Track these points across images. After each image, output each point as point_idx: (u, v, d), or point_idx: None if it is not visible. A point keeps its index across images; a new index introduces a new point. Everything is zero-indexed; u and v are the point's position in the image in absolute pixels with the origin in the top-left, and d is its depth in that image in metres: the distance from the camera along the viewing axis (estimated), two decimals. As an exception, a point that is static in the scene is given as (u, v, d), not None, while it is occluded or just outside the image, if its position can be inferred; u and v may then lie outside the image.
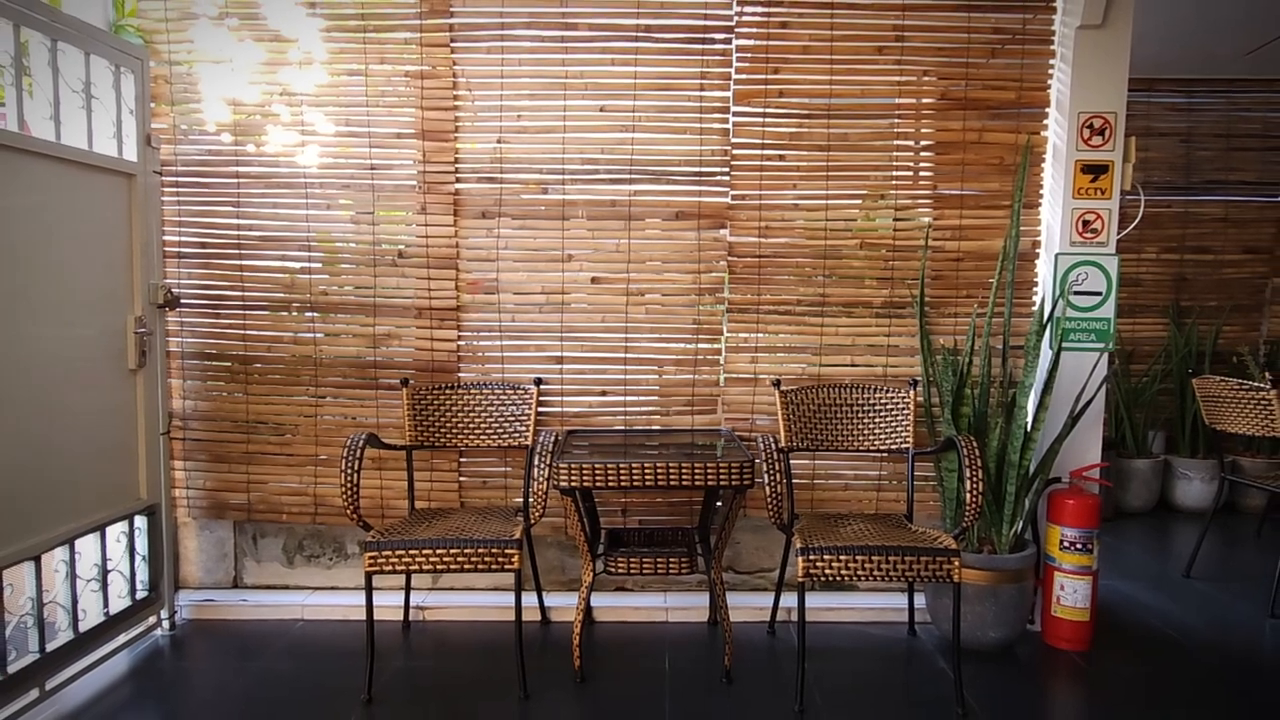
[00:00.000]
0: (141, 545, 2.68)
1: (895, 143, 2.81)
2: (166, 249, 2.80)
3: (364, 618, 2.30)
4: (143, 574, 2.68)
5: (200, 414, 2.87)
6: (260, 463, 2.88)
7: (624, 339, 2.86)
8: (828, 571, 2.21)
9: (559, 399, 2.87)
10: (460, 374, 2.86)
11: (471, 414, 2.78)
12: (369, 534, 2.29)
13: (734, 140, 2.79)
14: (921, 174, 2.83)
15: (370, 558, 2.24)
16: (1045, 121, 2.78)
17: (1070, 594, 2.62)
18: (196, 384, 2.87)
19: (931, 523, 2.72)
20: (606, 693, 2.31)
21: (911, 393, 2.66)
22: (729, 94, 2.77)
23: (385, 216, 2.82)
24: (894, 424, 2.67)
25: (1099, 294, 2.73)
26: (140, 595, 2.66)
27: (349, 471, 2.29)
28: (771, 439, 2.43)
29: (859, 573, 2.21)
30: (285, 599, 2.89)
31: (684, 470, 2.27)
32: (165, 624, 2.75)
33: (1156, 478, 4.43)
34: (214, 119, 2.78)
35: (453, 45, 2.74)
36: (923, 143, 2.82)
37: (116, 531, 2.59)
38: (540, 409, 2.83)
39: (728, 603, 2.50)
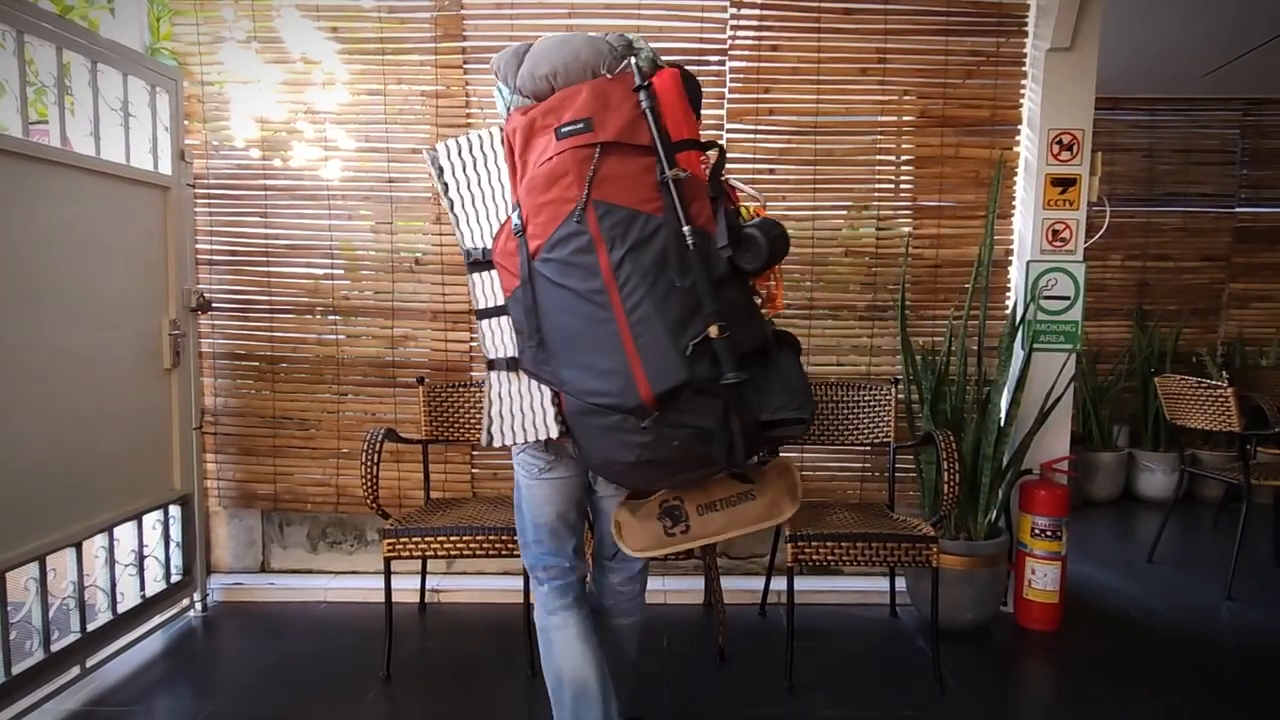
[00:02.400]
0: (176, 532, 2.67)
1: (878, 157, 2.80)
2: (199, 256, 2.80)
3: (383, 600, 2.30)
4: (177, 559, 2.68)
5: (230, 410, 2.87)
6: (286, 456, 2.88)
7: (625, 340, 2.85)
8: (815, 557, 2.21)
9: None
10: (472, 373, 2.85)
11: (485, 410, 2.77)
12: (387, 522, 2.29)
13: (728, 156, 2.78)
14: (902, 187, 2.82)
15: (389, 544, 2.24)
16: (1017, 138, 2.77)
17: (1041, 578, 2.61)
18: (227, 382, 2.86)
19: (911, 512, 2.71)
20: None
21: (893, 391, 2.65)
22: (723, 112, 2.76)
23: (403, 226, 2.82)
24: (877, 420, 2.67)
25: (1067, 298, 2.72)
26: (174, 579, 2.66)
27: (369, 464, 2.28)
28: (762, 433, 2.42)
29: (844, 558, 2.21)
30: (309, 583, 2.89)
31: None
32: (198, 606, 2.75)
33: (1121, 470, 4.43)
34: (243, 135, 2.78)
35: (465, 67, 2.74)
36: (903, 157, 2.81)
37: (152, 520, 2.59)
38: (547, 405, 2.82)
39: (722, 586, 2.50)
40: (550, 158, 1.34)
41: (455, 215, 1.46)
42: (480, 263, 1.45)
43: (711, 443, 1.34)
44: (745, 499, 1.46)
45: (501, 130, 1.45)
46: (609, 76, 1.37)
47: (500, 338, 1.46)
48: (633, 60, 1.38)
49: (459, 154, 1.45)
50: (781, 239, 1.36)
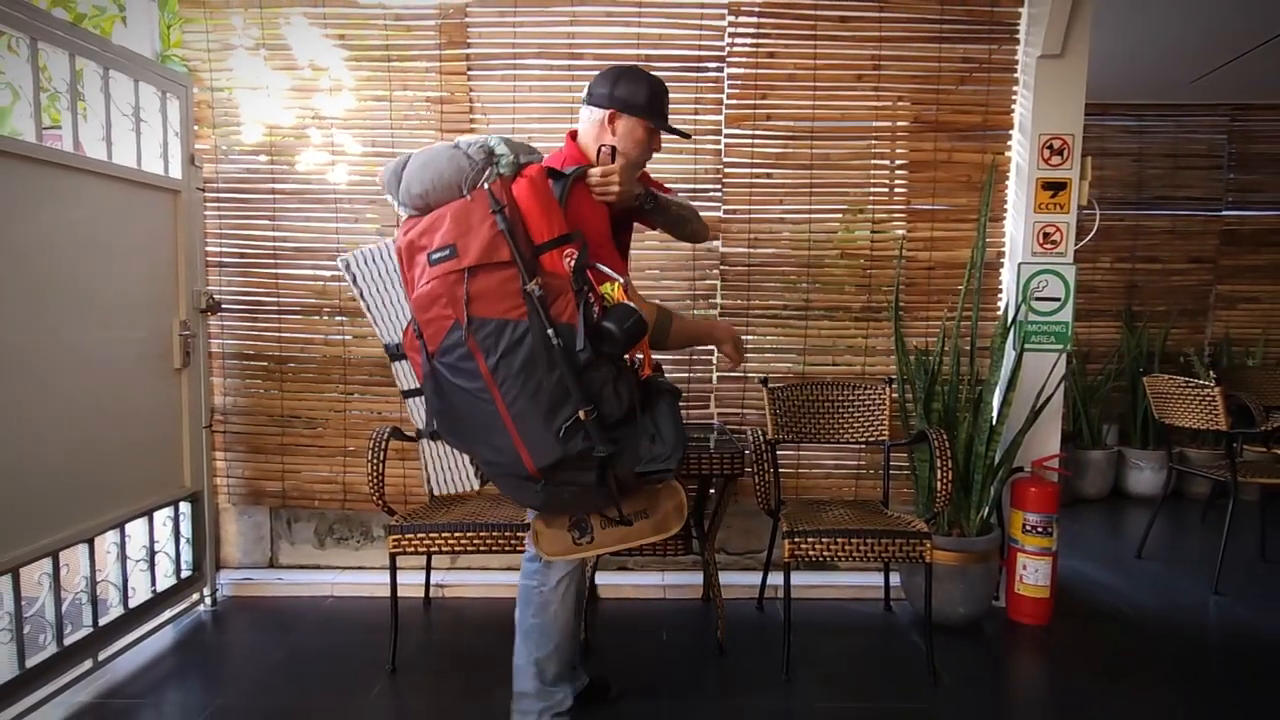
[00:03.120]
0: (186, 529, 2.68)
1: (872, 162, 2.80)
2: (209, 258, 2.80)
3: (388, 595, 2.30)
4: (187, 555, 2.68)
5: (239, 409, 2.87)
6: (294, 454, 2.88)
7: (625, 341, 2.85)
8: (811, 553, 2.21)
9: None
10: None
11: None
12: (393, 518, 2.28)
13: (726, 160, 2.78)
14: (896, 190, 2.82)
15: (394, 540, 2.24)
16: (1009, 143, 2.77)
17: (1032, 573, 2.61)
18: (236, 382, 2.86)
19: (906, 508, 2.71)
20: (609, 663, 2.31)
21: (887, 390, 2.65)
22: (721, 118, 2.76)
23: (408, 229, 2.82)
24: (871, 418, 2.67)
25: (1058, 300, 2.72)
26: (185, 574, 2.66)
27: (375, 462, 2.28)
28: (760, 432, 2.43)
29: (839, 554, 2.21)
30: (317, 578, 2.89)
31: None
32: (207, 601, 2.75)
33: (1110, 467, 4.43)
34: (252, 140, 2.78)
35: (469, 73, 2.74)
36: (898, 162, 2.81)
37: (163, 516, 2.59)
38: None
39: (720, 581, 2.50)
40: (426, 283, 1.52)
41: (370, 315, 1.66)
42: (396, 355, 1.67)
43: (595, 493, 1.59)
44: (640, 517, 1.68)
45: (396, 243, 1.62)
46: (469, 198, 1.51)
47: (422, 412, 1.68)
48: (490, 173, 1.51)
49: (367, 263, 1.63)
50: (635, 326, 1.52)
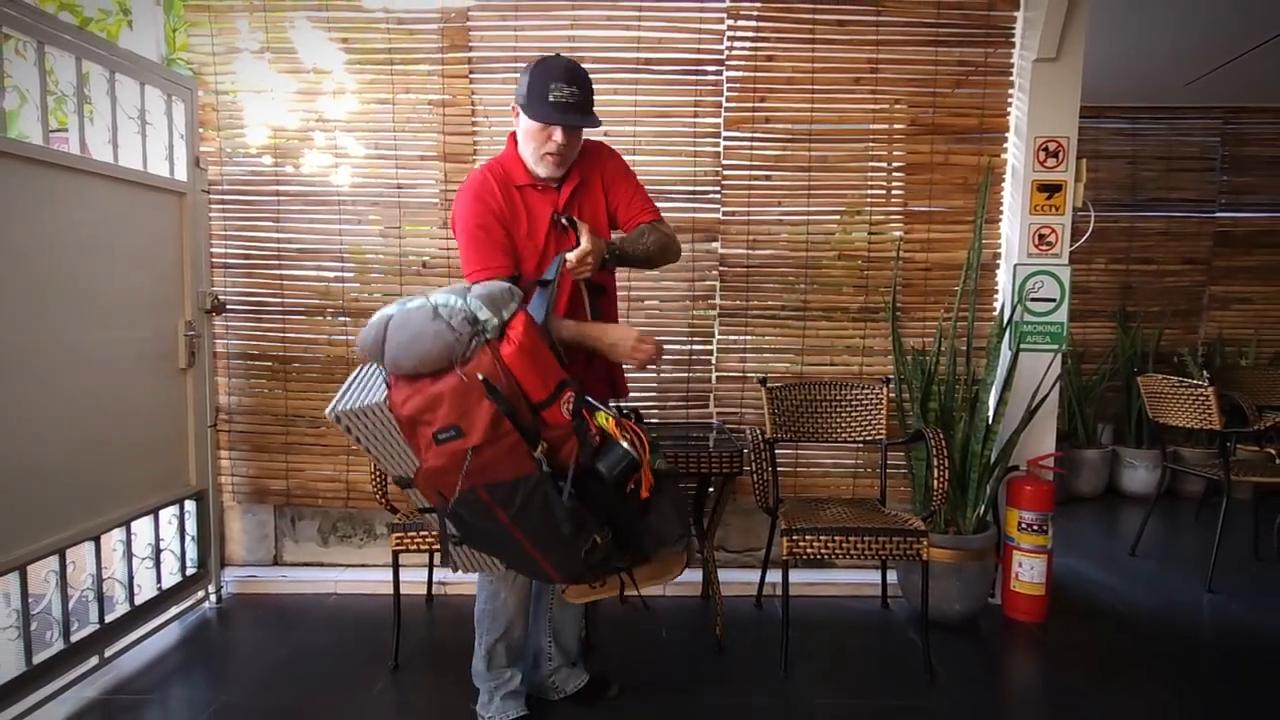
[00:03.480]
0: (191, 527, 2.68)
1: (870, 164, 2.80)
2: (214, 260, 2.80)
3: (391, 592, 2.30)
4: (192, 553, 2.68)
5: (244, 409, 2.87)
6: (298, 452, 2.88)
7: (625, 341, 2.85)
8: (809, 551, 2.21)
9: (567, 395, 2.85)
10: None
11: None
12: (396, 517, 2.29)
13: (725, 162, 2.78)
14: (893, 192, 2.82)
15: (397, 538, 2.24)
16: (1005, 145, 2.77)
17: (1028, 571, 2.61)
18: (240, 381, 2.86)
19: (902, 506, 2.71)
20: (610, 660, 2.31)
21: (884, 389, 2.65)
22: (720, 120, 2.76)
23: (411, 231, 2.82)
24: (869, 418, 2.67)
25: (1053, 300, 2.72)
26: (190, 572, 2.66)
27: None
28: (759, 431, 2.43)
29: (837, 552, 2.21)
30: (320, 575, 2.89)
31: (680, 459, 2.26)
32: (212, 598, 2.75)
33: (1105, 466, 4.43)
34: (256, 143, 2.78)
35: (471, 76, 2.74)
36: (894, 164, 2.81)
37: (168, 514, 2.59)
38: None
39: (719, 579, 2.50)
40: (433, 465, 1.54)
41: (372, 454, 1.63)
42: (408, 485, 1.66)
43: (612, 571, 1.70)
44: (643, 563, 1.75)
45: (388, 402, 1.56)
46: (463, 379, 1.48)
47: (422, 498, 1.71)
48: (476, 342, 1.49)
49: (360, 419, 1.58)
50: (626, 470, 1.58)
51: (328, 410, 1.58)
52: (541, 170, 1.80)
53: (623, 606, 1.74)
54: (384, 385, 1.58)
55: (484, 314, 1.51)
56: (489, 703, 1.93)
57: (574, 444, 1.56)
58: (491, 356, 1.49)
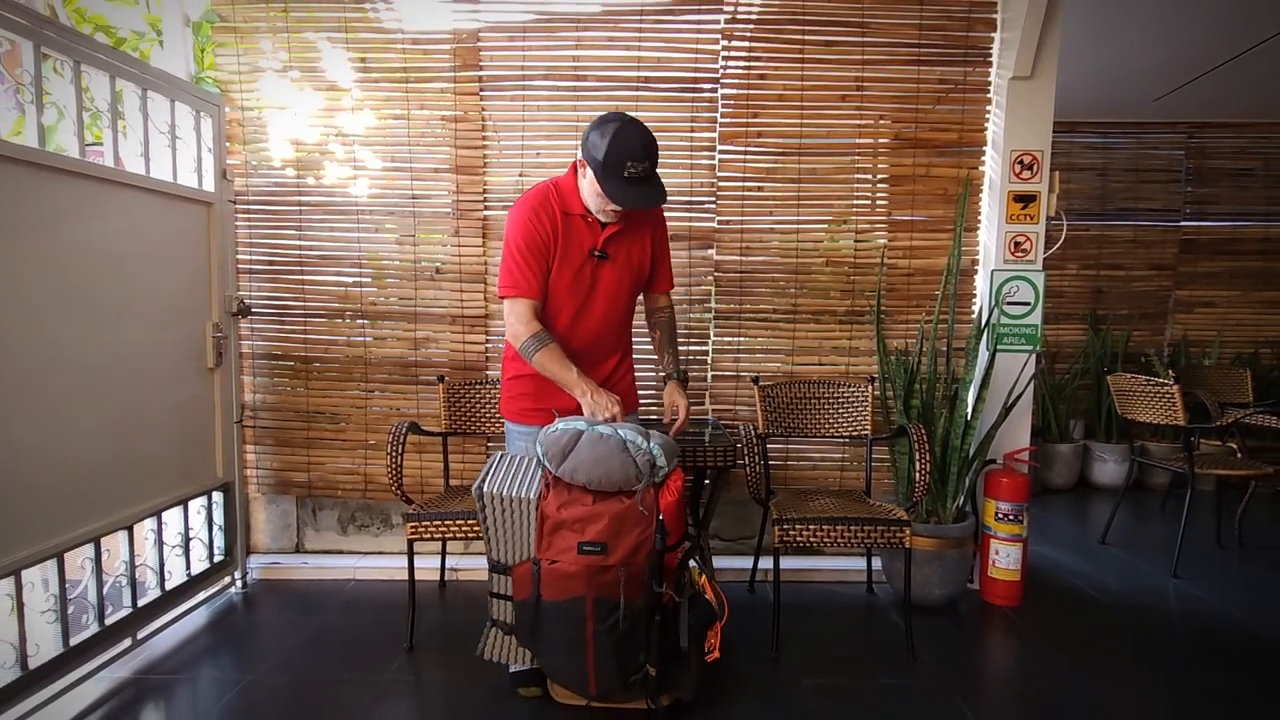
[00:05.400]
0: (218, 517, 2.68)
1: (856, 176, 2.80)
2: (239, 266, 2.80)
3: (406, 578, 2.30)
4: (219, 541, 2.69)
5: (268, 406, 2.87)
6: (319, 447, 2.88)
7: (626, 342, 2.85)
8: (799, 539, 2.22)
9: (571, 393, 2.85)
10: (488, 371, 2.86)
11: (497, 406, 2.77)
12: (410, 507, 2.29)
13: (720, 174, 2.79)
14: (878, 203, 2.83)
15: (412, 527, 2.24)
16: (983, 158, 2.78)
17: (1004, 558, 2.62)
18: (265, 380, 2.86)
19: (887, 498, 2.72)
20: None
21: (870, 388, 2.66)
22: (715, 135, 2.77)
23: (424, 239, 2.82)
24: (855, 414, 2.67)
25: (1028, 304, 2.73)
26: (217, 559, 2.66)
27: (394, 454, 2.29)
28: (751, 427, 2.43)
29: (825, 540, 2.22)
30: (340, 562, 2.89)
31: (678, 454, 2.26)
32: (238, 583, 2.75)
33: (1077, 460, 4.43)
34: (279, 156, 2.78)
35: (482, 94, 2.74)
36: (879, 176, 2.82)
37: (197, 505, 2.59)
38: (556, 401, 2.82)
39: (713, 566, 2.50)
40: (566, 569, 1.64)
41: (487, 535, 1.72)
42: (499, 569, 1.77)
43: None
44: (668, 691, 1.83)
45: (538, 494, 1.70)
46: (625, 505, 1.65)
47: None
48: (645, 481, 1.66)
49: (501, 503, 1.69)
50: (707, 622, 1.75)
51: (475, 486, 1.68)
52: (600, 216, 1.82)
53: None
54: (540, 485, 1.69)
55: (662, 461, 1.67)
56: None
57: (672, 589, 1.70)
58: (653, 497, 1.66)
